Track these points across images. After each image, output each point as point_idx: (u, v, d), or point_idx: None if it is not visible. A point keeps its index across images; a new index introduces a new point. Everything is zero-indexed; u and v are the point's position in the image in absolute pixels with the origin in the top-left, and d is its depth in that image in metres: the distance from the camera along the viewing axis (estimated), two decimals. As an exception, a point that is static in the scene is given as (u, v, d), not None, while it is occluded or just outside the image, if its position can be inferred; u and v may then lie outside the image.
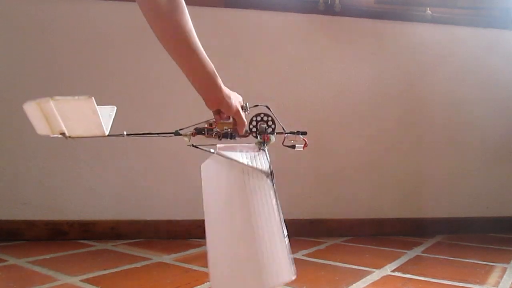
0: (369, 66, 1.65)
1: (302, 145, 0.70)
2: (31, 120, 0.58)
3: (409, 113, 1.67)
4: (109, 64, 1.47)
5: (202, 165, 0.53)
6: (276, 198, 0.58)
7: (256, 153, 0.65)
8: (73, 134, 0.57)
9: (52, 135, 0.58)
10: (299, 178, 1.58)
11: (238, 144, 0.65)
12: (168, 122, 1.45)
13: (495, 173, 1.72)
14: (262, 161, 0.63)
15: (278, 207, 0.58)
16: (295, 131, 0.71)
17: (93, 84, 1.45)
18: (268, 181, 0.59)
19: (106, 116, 0.62)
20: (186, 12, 0.65)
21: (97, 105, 0.54)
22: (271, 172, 0.62)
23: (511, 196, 1.73)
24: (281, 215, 0.58)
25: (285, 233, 0.59)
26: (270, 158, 0.66)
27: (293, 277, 0.58)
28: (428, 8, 1.67)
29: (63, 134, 0.56)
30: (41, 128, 0.57)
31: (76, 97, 0.52)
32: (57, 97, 0.52)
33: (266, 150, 0.68)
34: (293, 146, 0.71)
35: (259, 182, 0.55)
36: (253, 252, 0.53)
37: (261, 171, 0.55)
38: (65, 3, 1.45)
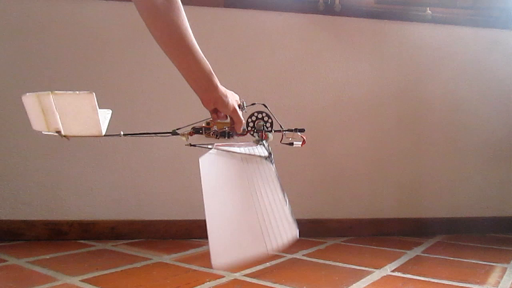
0: (369, 66, 1.65)
1: (300, 142, 0.70)
2: (28, 113, 0.56)
3: (409, 112, 1.67)
4: (106, 64, 1.47)
5: (200, 159, 0.53)
6: (276, 174, 0.57)
7: (254, 146, 0.65)
8: (69, 133, 0.56)
9: (47, 132, 0.56)
10: (299, 178, 1.58)
11: (236, 143, 0.65)
12: (166, 122, 1.45)
13: (495, 173, 1.72)
14: (260, 149, 0.62)
15: (277, 178, 0.57)
16: (293, 129, 0.70)
17: (91, 84, 1.45)
18: (268, 162, 0.58)
19: (102, 118, 0.62)
20: (182, 12, 0.66)
21: (96, 103, 0.54)
22: (270, 153, 0.62)
23: (511, 196, 1.73)
24: (281, 186, 0.57)
25: (287, 200, 0.57)
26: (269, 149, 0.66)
27: (297, 236, 0.55)
28: (428, 8, 1.67)
29: (58, 132, 0.55)
30: (37, 123, 0.56)
31: (77, 92, 0.51)
32: (58, 91, 0.51)
33: (265, 143, 0.67)
34: (291, 144, 0.70)
35: (258, 164, 0.55)
36: (253, 219, 0.52)
37: (259, 156, 0.55)
38: (63, 2, 1.45)
